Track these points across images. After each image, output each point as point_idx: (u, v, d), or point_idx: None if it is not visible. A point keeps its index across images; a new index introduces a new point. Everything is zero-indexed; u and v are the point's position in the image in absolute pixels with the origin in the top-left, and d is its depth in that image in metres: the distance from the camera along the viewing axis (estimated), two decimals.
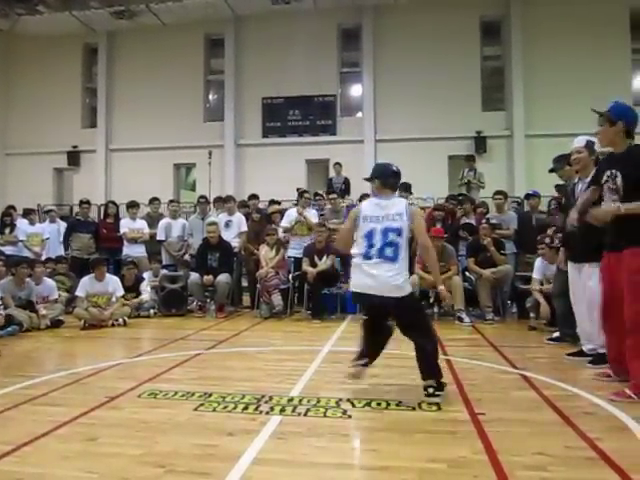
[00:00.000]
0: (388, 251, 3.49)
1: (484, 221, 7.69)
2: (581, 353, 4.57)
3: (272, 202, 9.85)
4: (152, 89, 15.35)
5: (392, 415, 3.13)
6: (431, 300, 7.95)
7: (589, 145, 4.26)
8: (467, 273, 7.65)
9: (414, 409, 3.22)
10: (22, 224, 9.06)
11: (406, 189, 8.79)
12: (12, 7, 14.12)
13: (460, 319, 6.98)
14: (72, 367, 4.50)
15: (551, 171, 5.43)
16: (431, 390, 3.37)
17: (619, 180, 3.52)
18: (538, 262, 6.46)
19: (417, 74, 14.26)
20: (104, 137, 15.92)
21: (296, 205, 8.90)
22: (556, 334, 5.52)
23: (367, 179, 3.83)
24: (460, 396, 3.51)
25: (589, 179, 4.14)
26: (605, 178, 3.65)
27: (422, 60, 14.25)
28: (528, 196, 8.55)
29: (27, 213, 9.41)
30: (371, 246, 3.51)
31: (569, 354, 4.71)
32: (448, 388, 3.53)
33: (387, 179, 3.72)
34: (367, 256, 3.51)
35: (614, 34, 13.61)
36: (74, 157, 15.83)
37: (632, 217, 3.42)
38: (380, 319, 3.65)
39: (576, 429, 2.84)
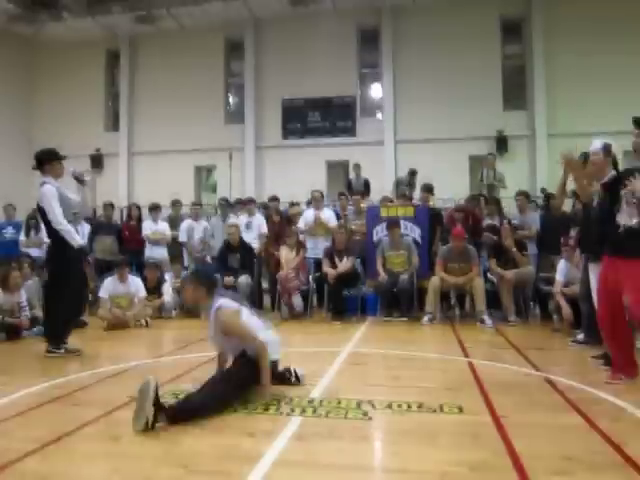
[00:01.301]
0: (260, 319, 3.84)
1: (505, 222, 7.62)
2: (606, 356, 4.48)
3: (292, 204, 9.88)
4: (173, 92, 15.53)
5: (413, 417, 3.11)
6: (452, 302, 7.93)
7: (606, 148, 4.22)
8: (489, 274, 7.58)
9: (435, 411, 3.19)
10: None
11: (428, 190, 8.76)
12: (37, 13, 14.41)
13: (482, 321, 6.91)
14: (95, 367, 4.56)
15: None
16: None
17: None
18: (561, 264, 6.36)
19: (437, 74, 14.19)
20: (126, 140, 16.15)
21: (309, 205, 8.93)
22: (580, 336, 5.42)
23: None
24: (482, 398, 3.47)
25: (604, 180, 4.12)
26: (626, 192, 3.66)
27: (442, 60, 14.18)
28: (549, 196, 8.43)
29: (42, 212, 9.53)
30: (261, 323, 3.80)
31: (594, 357, 4.63)
32: (470, 391, 3.48)
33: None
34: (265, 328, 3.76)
35: (637, 33, 13.36)
36: (97, 160, 16.08)
37: None
38: None
39: (601, 433, 2.79)
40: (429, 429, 2.91)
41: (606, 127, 10.18)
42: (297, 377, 3.81)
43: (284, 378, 3.79)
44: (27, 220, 9.35)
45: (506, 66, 14.66)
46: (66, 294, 5.16)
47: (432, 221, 8.22)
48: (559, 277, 6.33)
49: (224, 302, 3.54)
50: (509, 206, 9.16)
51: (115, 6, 14.19)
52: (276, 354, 3.69)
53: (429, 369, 4.38)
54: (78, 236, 5.33)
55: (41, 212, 5.25)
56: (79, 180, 5.46)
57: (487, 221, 8.30)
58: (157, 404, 2.86)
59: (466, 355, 4.91)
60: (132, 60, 16.32)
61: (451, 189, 11.35)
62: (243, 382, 3.39)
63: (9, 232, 10.01)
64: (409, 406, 3.28)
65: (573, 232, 6.42)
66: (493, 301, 7.31)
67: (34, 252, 8.66)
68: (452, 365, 4.58)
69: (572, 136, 12.11)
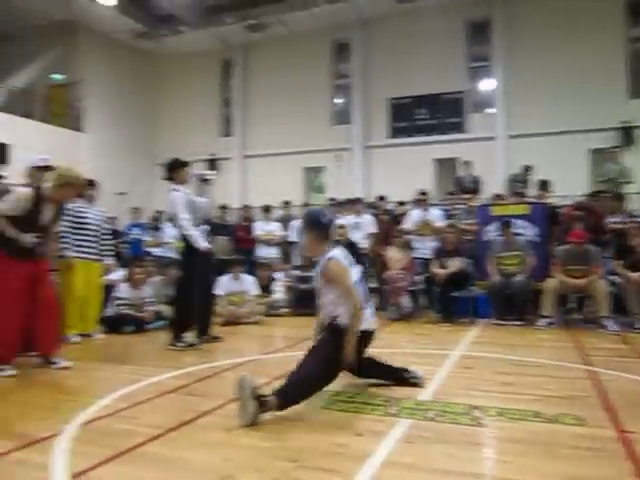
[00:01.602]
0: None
1: (632, 220, 7.04)
2: None
3: (400, 203, 9.80)
4: (282, 96, 15.99)
5: (528, 426, 2.96)
6: (571, 305, 7.46)
7: None
8: (613, 277, 7.03)
9: (552, 422, 3.02)
10: (168, 227, 9.86)
11: (544, 186, 8.32)
12: (157, 29, 15.50)
13: (604, 326, 6.44)
14: (212, 361, 4.82)
15: None
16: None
17: None
18: None
19: (552, 63, 13.39)
20: (239, 144, 16.86)
21: (416, 204, 8.80)
22: None
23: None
24: (605, 411, 3.22)
25: None
26: None
27: (558, 48, 13.35)
28: None
29: (171, 217, 10.22)
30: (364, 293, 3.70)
31: None
32: (592, 402, 3.25)
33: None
34: (366, 301, 3.65)
35: None
36: (213, 164, 16.93)
37: None
38: None
39: None
40: (545, 440, 2.75)
41: None
42: (416, 377, 3.76)
43: (403, 378, 3.76)
44: (151, 222, 10.07)
45: (631, 50, 13.48)
46: (191, 293, 5.54)
47: (549, 220, 7.78)
48: None
49: (338, 254, 3.56)
50: (635, 203, 8.46)
51: (228, 17, 14.89)
52: (371, 324, 3.65)
53: (545, 376, 4.15)
54: (203, 240, 5.62)
55: (171, 217, 5.66)
56: (204, 180, 5.81)
57: (610, 219, 7.72)
58: (257, 396, 2.96)
59: (586, 363, 4.60)
60: (244, 67, 17.02)
61: (569, 185, 10.65)
62: (330, 355, 3.37)
63: (134, 233, 10.86)
64: (523, 414, 3.13)
65: None
66: (618, 306, 6.78)
67: (157, 251, 9.30)
68: (571, 373, 4.31)
69: None
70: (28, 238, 4.23)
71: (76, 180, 4.52)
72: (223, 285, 7.53)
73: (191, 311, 5.61)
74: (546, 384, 3.86)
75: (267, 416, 3.03)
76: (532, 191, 9.30)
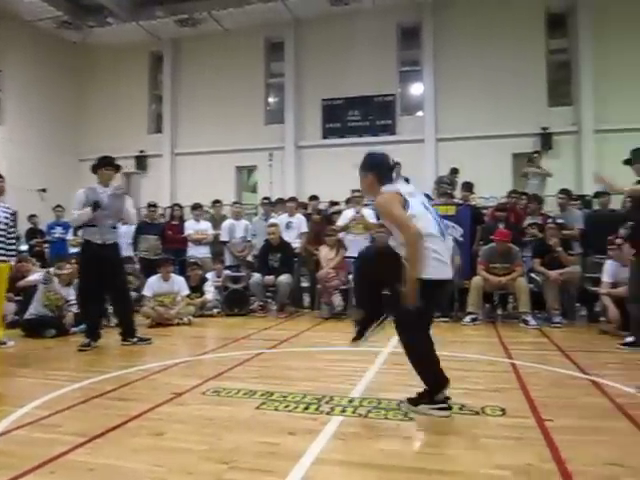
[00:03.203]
0: (443, 227, 3.24)
1: (550, 220, 7.44)
2: None
3: (332, 203, 9.89)
4: (214, 94, 15.75)
5: (455, 419, 3.07)
6: (495, 302, 7.78)
7: None
8: (533, 274, 7.41)
9: (478, 413, 3.15)
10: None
11: (469, 188, 8.63)
12: (84, 20, 14.88)
13: (525, 322, 6.76)
14: (140, 364, 4.67)
15: (626, 162, 5.14)
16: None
17: None
18: (608, 264, 6.18)
19: (479, 70, 13.92)
20: (169, 142, 16.46)
21: (347, 204, 8.91)
22: (630, 339, 5.24)
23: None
24: (526, 401, 3.40)
25: None
26: None
27: (484, 55, 13.90)
28: (598, 194, 8.20)
29: None
30: (437, 222, 3.18)
31: None
32: (514, 393, 3.42)
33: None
34: (441, 234, 3.16)
35: None
36: (141, 162, 16.45)
37: None
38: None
39: None
40: (471, 431, 2.87)
41: None
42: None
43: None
44: None
45: (551, 61, 14.26)
46: (85, 293, 5.58)
47: (473, 220, 8.09)
48: (606, 278, 6.15)
49: (388, 187, 3.22)
50: (552, 205, 8.96)
51: (158, 10, 14.50)
52: (441, 272, 3.08)
53: (471, 370, 4.32)
54: (99, 237, 5.50)
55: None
56: (117, 195, 5.61)
57: (529, 220, 8.12)
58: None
59: (509, 357, 4.82)
60: (175, 63, 16.63)
61: (493, 187, 11.12)
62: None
63: (58, 232, 10.38)
64: (451, 407, 3.24)
65: (622, 231, 6.22)
66: (537, 302, 7.15)
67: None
68: (495, 367, 4.50)
69: (621, 132, 11.79)
70: None
71: None
72: (152, 286, 7.34)
73: (88, 311, 5.62)
74: (472, 378, 4.01)
75: (198, 418, 2.99)
76: (458, 193, 9.63)
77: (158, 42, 16.46)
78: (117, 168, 5.72)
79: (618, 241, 6.12)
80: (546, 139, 13.46)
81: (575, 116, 13.63)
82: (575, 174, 13.15)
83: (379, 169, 3.36)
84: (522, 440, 2.72)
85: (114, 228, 5.67)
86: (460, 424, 2.99)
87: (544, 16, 14.03)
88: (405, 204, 3.11)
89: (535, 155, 11.00)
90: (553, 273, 6.95)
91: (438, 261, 3.08)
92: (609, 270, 6.15)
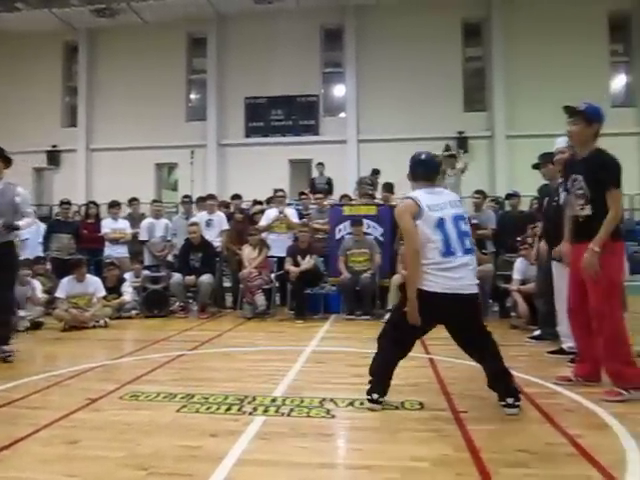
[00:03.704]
0: (467, 242, 3.21)
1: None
2: (561, 351, 4.62)
3: (255, 202, 9.83)
4: (133, 88, 15.25)
5: (375, 414, 3.14)
6: None
7: (571, 145, 4.28)
8: None
9: (397, 408, 3.23)
10: None
11: (389, 189, 8.84)
12: None
13: None
14: (52, 369, 4.43)
15: (535, 167, 5.43)
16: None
17: (583, 184, 3.49)
18: (519, 262, 6.52)
19: (399, 74, 14.35)
20: (84, 136, 15.77)
21: (269, 204, 8.90)
22: (537, 332, 5.57)
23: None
24: (442, 395, 3.53)
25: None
26: (570, 183, 3.66)
27: (405, 60, 14.35)
28: (509, 196, 8.64)
29: None
30: (447, 238, 3.13)
31: (550, 352, 4.76)
32: (432, 387, 3.54)
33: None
34: (449, 252, 3.11)
35: (593, 36, 13.87)
36: (54, 157, 15.65)
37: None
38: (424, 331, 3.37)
39: (557, 426, 2.88)
40: (391, 426, 2.94)
41: (564, 129, 10.43)
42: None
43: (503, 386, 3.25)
44: None
45: (467, 68, 14.95)
46: None
47: (393, 220, 8.28)
48: (516, 275, 6.48)
49: (414, 194, 3.23)
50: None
51: None
52: (450, 286, 3.06)
53: None
54: None
55: None
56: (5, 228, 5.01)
57: None
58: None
59: (427, 352, 4.98)
60: (91, 54, 15.94)
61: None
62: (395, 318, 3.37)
63: None
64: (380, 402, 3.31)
65: (530, 231, 6.58)
66: None
67: None
68: (414, 362, 4.61)
69: (531, 137, 12.51)
70: None
71: None
72: (65, 287, 6.99)
73: None
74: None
75: (115, 423, 2.88)
76: (379, 193, 9.85)
77: (73, 31, 15.74)
78: (7, 161, 5.18)
79: (529, 240, 6.46)
80: (462, 143, 14.07)
81: (489, 122, 14.34)
82: (489, 176, 13.84)
83: (415, 169, 3.45)
84: (439, 432, 2.83)
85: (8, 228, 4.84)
86: (381, 419, 3.06)
87: (461, 25, 14.66)
88: (418, 214, 3.13)
89: (454, 153, 11.42)
90: None
91: (439, 274, 3.08)
92: (519, 268, 6.49)
